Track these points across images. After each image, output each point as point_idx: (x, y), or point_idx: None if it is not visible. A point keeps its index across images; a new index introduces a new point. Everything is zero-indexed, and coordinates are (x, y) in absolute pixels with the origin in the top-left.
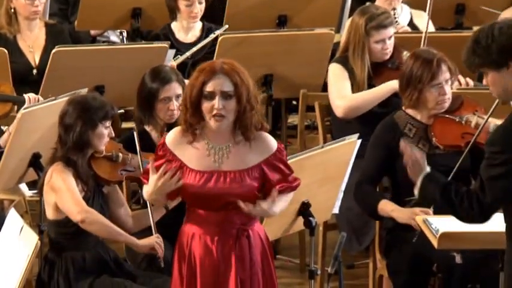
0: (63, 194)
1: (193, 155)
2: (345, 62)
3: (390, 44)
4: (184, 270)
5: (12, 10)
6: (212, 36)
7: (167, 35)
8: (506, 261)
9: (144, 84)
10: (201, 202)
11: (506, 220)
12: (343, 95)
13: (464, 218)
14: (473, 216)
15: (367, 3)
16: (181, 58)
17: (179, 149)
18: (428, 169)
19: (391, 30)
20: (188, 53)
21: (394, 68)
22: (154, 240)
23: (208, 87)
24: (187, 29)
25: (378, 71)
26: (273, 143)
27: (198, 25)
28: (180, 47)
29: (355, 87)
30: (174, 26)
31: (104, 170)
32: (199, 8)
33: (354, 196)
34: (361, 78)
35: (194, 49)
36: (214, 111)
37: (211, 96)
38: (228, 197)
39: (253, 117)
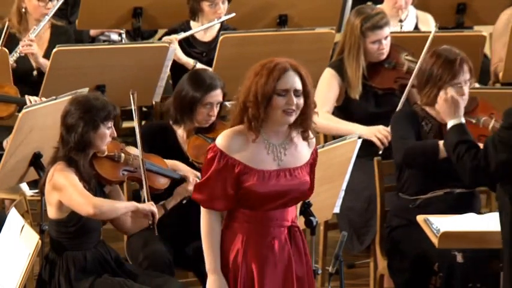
0: (68, 190)
1: (253, 155)
2: (339, 66)
3: (386, 44)
4: (241, 277)
5: (24, 10)
6: (219, 21)
7: (186, 31)
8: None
9: (186, 91)
10: (263, 202)
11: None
12: (319, 107)
13: (468, 177)
14: (477, 177)
15: (368, 3)
16: (184, 34)
17: (237, 151)
18: (462, 120)
19: (386, 31)
20: (191, 32)
21: (391, 68)
22: (151, 206)
23: (283, 85)
24: (207, 28)
25: (375, 71)
26: (314, 137)
27: (217, 25)
28: (196, 45)
29: (349, 89)
30: (194, 24)
31: (105, 170)
32: (223, 8)
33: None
34: (355, 79)
35: (198, 29)
36: (288, 107)
37: (284, 93)
38: (291, 194)
39: (314, 116)
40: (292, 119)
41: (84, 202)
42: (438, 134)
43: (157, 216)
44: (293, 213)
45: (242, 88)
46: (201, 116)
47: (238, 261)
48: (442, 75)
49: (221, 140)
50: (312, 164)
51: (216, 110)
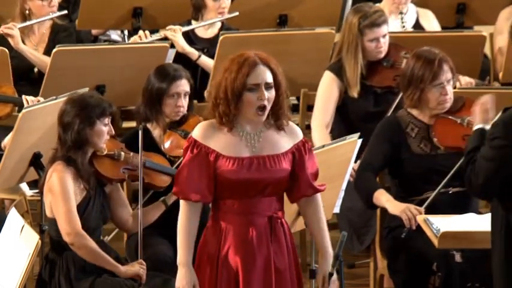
0: (58, 202)
1: (227, 143)
2: (338, 68)
3: (384, 43)
4: (211, 269)
5: (27, 12)
6: (222, 18)
7: (187, 30)
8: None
9: (152, 84)
10: (238, 190)
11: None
12: (326, 123)
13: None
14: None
15: (369, 3)
16: (187, 27)
17: (211, 140)
18: (487, 126)
19: (384, 29)
20: (194, 26)
21: (389, 66)
22: (139, 267)
23: (253, 80)
24: (208, 25)
25: (373, 70)
26: (299, 130)
27: (218, 23)
28: (198, 42)
29: (348, 88)
30: (195, 23)
31: (106, 168)
32: (227, 4)
33: (354, 183)
34: (353, 78)
35: (202, 24)
36: (260, 103)
37: (256, 88)
38: (266, 181)
39: (287, 105)
40: (265, 117)
41: (67, 230)
42: (426, 136)
43: (144, 278)
44: (276, 203)
45: (213, 83)
46: (169, 108)
47: (219, 252)
48: (423, 76)
49: (196, 130)
50: (296, 154)
51: (184, 101)
